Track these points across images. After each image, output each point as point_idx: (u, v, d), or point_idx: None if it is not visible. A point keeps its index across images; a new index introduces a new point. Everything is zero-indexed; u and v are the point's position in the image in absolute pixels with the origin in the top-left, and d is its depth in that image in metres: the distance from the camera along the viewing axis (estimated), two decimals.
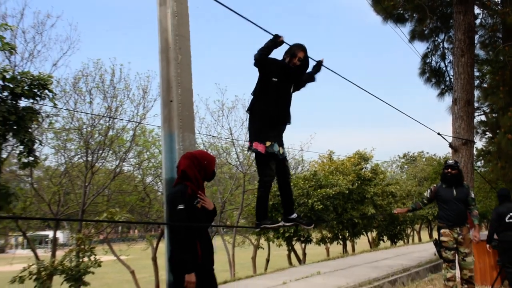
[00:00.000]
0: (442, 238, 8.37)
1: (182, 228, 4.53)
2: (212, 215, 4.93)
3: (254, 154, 5.32)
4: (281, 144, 5.32)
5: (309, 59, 5.49)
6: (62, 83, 19.18)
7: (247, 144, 5.33)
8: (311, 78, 5.76)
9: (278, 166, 5.40)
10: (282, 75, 5.29)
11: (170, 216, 4.63)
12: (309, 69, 5.64)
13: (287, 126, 5.49)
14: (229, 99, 72.64)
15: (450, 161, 8.80)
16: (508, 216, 9.55)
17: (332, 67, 6.10)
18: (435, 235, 9.16)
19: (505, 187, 11.65)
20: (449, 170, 8.51)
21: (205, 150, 4.64)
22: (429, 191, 8.80)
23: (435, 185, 8.81)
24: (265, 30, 5.14)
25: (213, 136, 23.69)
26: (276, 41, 5.11)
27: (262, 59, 5.19)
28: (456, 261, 8.48)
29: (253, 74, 6.19)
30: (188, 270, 4.53)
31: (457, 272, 8.58)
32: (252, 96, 5.45)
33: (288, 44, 5.35)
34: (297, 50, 5.36)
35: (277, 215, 20.44)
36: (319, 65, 5.79)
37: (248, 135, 5.44)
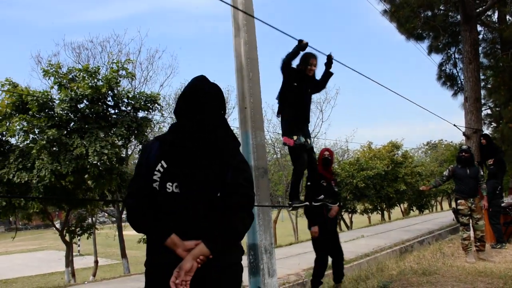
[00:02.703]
0: (459, 207, 8.14)
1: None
2: None
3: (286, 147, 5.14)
4: (307, 136, 5.03)
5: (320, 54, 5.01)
6: (167, 99, 20.09)
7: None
8: (329, 74, 5.13)
9: (308, 157, 5.04)
10: (300, 80, 4.93)
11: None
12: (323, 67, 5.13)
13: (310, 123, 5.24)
14: None
15: (464, 147, 8.59)
16: (498, 188, 9.58)
17: (375, 78, 5.91)
18: (453, 205, 8.94)
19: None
20: (463, 153, 8.26)
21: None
22: (447, 170, 8.56)
23: (452, 166, 8.58)
24: (292, 37, 4.65)
25: (278, 133, 23.80)
26: (301, 45, 4.65)
27: (289, 63, 4.86)
28: (470, 225, 8.26)
29: None
30: (314, 222, 5.56)
31: (471, 233, 8.34)
32: (277, 101, 5.12)
33: (312, 47, 4.83)
34: (311, 59, 4.96)
35: None
36: (329, 58, 5.06)
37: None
